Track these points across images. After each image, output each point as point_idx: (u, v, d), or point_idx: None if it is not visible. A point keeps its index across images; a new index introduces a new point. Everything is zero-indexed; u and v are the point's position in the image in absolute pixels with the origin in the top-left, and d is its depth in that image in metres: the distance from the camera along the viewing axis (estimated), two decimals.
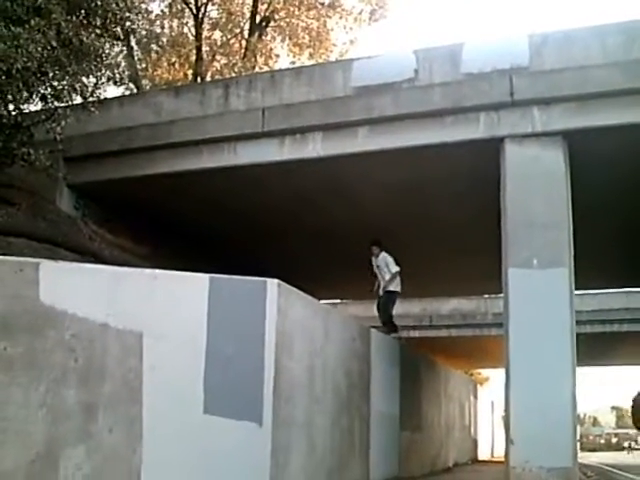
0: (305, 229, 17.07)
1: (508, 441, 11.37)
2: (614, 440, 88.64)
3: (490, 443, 34.48)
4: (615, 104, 11.67)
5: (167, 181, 14.42)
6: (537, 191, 11.85)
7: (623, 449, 76.15)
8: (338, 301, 28.05)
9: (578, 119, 11.87)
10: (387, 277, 15.23)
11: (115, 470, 6.02)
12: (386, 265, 15.29)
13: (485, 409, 33.46)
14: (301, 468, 9.77)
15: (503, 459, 12.34)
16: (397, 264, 15.30)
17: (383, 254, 15.36)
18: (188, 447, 7.08)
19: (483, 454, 31.41)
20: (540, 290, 11.55)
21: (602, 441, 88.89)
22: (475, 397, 30.17)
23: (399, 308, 30.32)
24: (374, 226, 16.67)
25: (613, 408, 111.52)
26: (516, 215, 11.92)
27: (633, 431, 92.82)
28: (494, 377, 41.37)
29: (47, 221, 12.83)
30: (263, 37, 29.28)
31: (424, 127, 12.61)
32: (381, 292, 15.57)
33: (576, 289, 12.02)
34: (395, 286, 15.37)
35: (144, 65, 28.58)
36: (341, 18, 29.50)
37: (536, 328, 11.41)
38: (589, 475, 17.28)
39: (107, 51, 12.44)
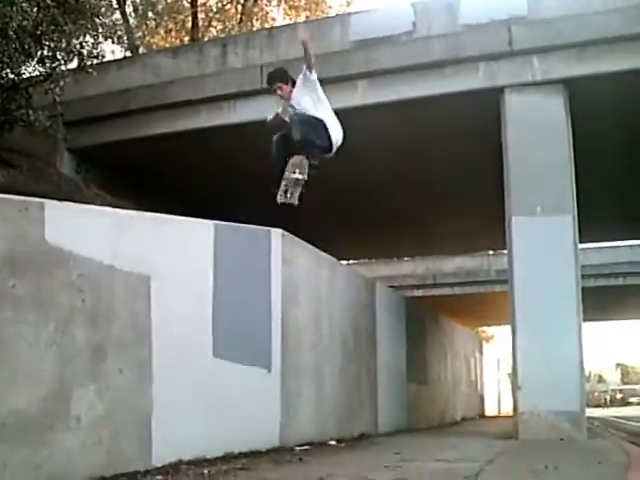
0: (307, 186, 17.00)
1: (515, 387, 11.46)
2: (619, 396, 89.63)
3: (497, 400, 34.69)
4: (615, 50, 11.66)
5: (167, 142, 14.39)
6: (539, 139, 11.86)
7: (629, 404, 76.73)
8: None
9: (578, 66, 11.87)
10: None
11: (126, 411, 6.06)
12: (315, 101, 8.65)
13: (491, 366, 33.66)
14: (310, 417, 9.85)
15: (511, 414, 12.37)
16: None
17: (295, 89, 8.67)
18: (198, 390, 7.13)
19: (490, 410, 31.62)
20: (544, 238, 11.59)
21: (607, 397, 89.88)
22: (481, 353, 30.34)
23: (403, 268, 30.61)
24: (376, 183, 16.67)
25: (618, 365, 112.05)
26: (518, 163, 11.94)
27: (638, 386, 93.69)
28: (499, 335, 41.52)
29: (48, 182, 12.82)
30: (259, 1, 29.06)
31: (423, 79, 12.60)
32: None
33: (580, 242, 12.03)
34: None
35: (141, 33, 28.43)
36: None
37: (541, 276, 11.46)
38: (596, 424, 17.47)
39: (103, 9, 12.30)
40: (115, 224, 6.18)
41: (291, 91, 8.72)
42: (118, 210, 7.02)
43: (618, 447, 9.76)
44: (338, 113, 8.71)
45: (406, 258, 30.58)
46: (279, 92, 8.79)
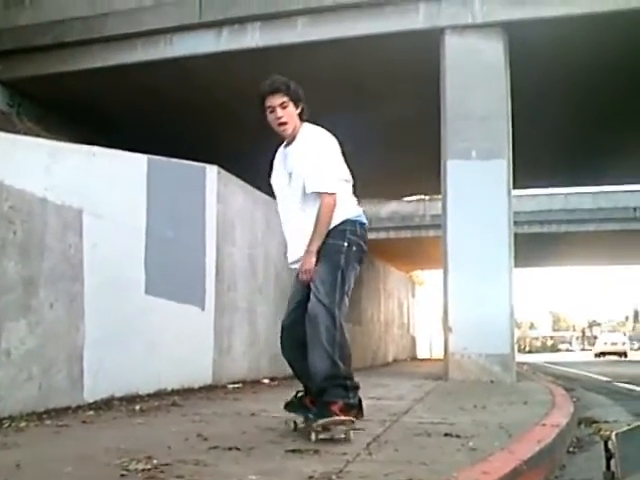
0: (244, 124, 16.79)
1: (446, 329, 11.61)
2: (550, 343, 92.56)
3: (429, 343, 35.29)
4: None
5: (102, 76, 14.08)
6: (477, 83, 11.90)
7: (559, 351, 79.24)
8: None
9: (518, 10, 11.89)
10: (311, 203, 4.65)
11: (57, 346, 5.97)
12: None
13: (423, 310, 34.11)
14: (244, 353, 9.90)
15: (442, 357, 12.51)
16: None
17: (307, 129, 4.81)
18: (130, 327, 7.06)
19: (422, 353, 32.14)
20: (479, 182, 11.68)
21: (539, 344, 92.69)
22: (413, 296, 30.69)
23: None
24: (314, 123, 16.54)
25: (550, 312, 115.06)
26: (455, 107, 11.96)
27: (568, 333, 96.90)
28: (432, 279, 42.07)
29: None
30: None
31: (364, 17, 12.52)
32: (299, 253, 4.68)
33: (515, 188, 12.16)
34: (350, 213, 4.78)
35: None
36: None
37: (474, 220, 11.56)
38: (526, 369, 17.93)
39: None
40: (48, 156, 6.03)
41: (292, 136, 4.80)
42: (52, 142, 6.87)
43: (544, 388, 10.00)
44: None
45: None
46: (279, 114, 4.70)
